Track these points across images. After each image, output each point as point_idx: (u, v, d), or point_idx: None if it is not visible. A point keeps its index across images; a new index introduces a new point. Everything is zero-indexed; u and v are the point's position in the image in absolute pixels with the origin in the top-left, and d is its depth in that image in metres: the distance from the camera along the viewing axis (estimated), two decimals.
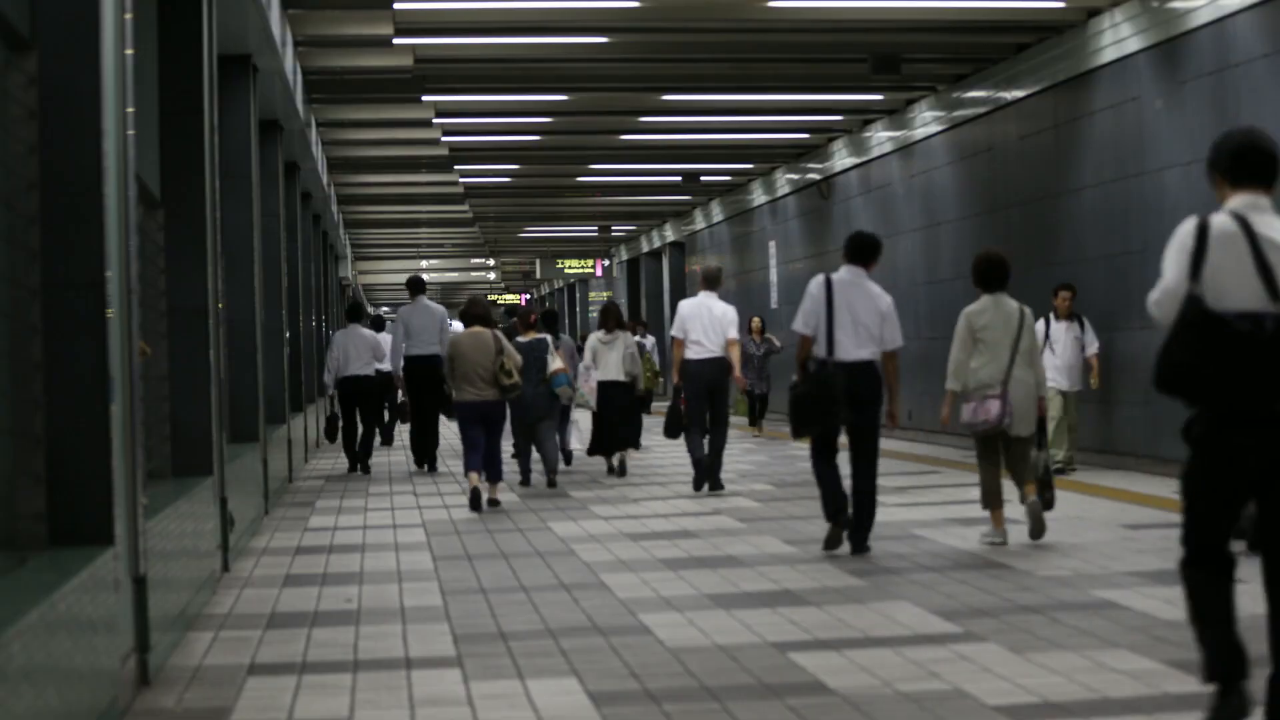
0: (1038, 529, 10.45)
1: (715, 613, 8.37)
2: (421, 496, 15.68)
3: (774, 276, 29.55)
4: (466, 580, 9.88)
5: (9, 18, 6.04)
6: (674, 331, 14.80)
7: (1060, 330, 15.68)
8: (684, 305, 14.83)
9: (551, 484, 15.81)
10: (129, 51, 7.08)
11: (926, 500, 13.76)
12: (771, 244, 29.60)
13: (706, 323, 14.54)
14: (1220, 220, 5.34)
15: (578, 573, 10.03)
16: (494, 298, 66.42)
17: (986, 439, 10.60)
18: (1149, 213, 15.31)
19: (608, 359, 16.87)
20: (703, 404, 14.68)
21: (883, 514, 12.68)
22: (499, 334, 14.36)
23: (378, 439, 20.20)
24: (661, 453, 20.61)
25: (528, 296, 70.38)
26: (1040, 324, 14.83)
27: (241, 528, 11.67)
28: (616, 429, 17.20)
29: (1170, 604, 8.17)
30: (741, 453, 20.60)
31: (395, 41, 16.53)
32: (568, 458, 18.28)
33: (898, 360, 10.60)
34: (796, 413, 10.27)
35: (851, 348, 10.29)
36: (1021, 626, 7.70)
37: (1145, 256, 15.35)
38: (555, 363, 15.78)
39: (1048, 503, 10.44)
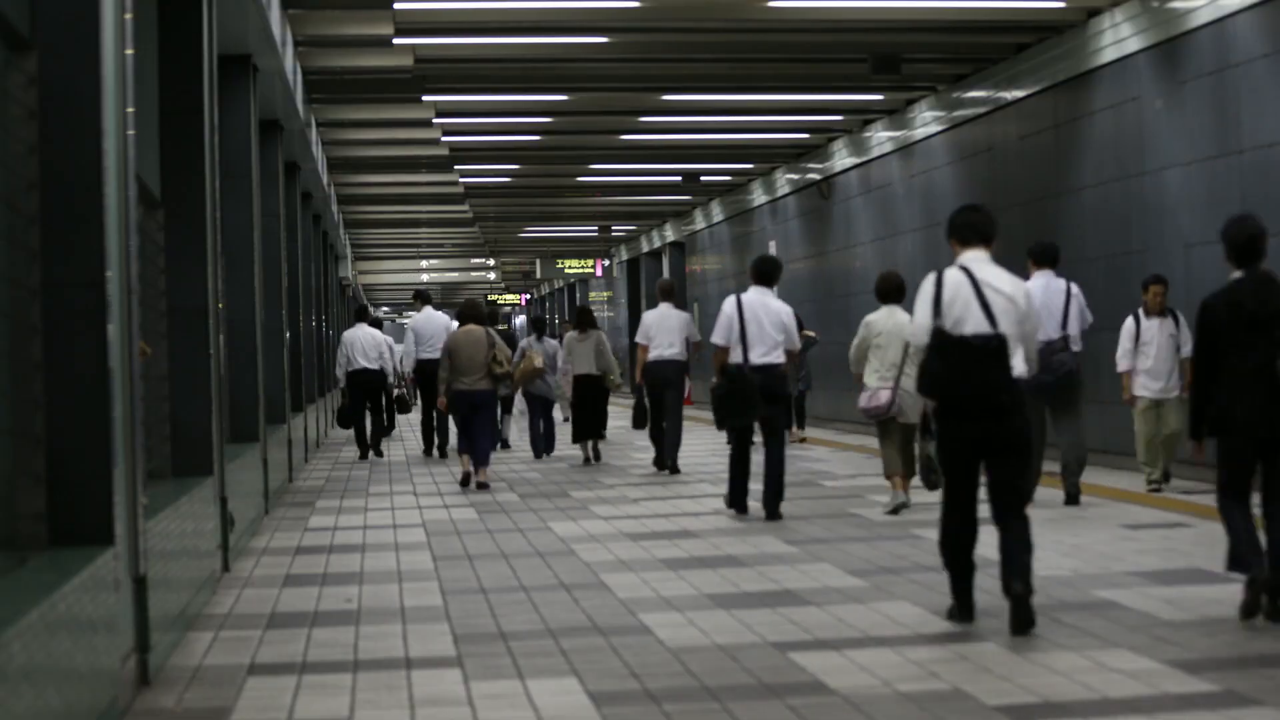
0: (898, 509, 12.74)
1: (715, 612, 8.37)
2: (422, 497, 15.68)
3: None
4: (467, 580, 9.88)
5: (9, 18, 6.04)
6: (638, 338, 16.90)
7: (1153, 329, 13.43)
8: (648, 315, 16.95)
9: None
10: (129, 51, 7.08)
11: (926, 500, 13.75)
12: (772, 244, 29.60)
13: (665, 329, 16.69)
14: (952, 272, 7.99)
15: (578, 573, 10.03)
16: (494, 298, 66.51)
17: (883, 422, 12.78)
18: (1149, 213, 15.31)
19: (581, 355, 18.77)
20: (661, 396, 17.03)
21: (883, 514, 12.71)
22: (491, 331, 16.42)
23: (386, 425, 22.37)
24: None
25: (528, 296, 70.42)
26: (1129, 323, 13.63)
27: (241, 528, 11.67)
28: (593, 419, 18.82)
29: (1171, 604, 8.18)
30: None
31: (395, 41, 16.53)
32: (504, 443, 21.74)
33: (797, 357, 13.90)
34: (719, 409, 12.52)
35: (761, 354, 12.44)
36: None
37: (1145, 257, 15.35)
38: None
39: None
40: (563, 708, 6.34)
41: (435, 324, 20.73)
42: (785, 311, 12.74)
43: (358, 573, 10.41)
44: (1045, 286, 12.71)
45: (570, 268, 46.58)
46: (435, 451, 21.07)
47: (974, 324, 7.80)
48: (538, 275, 48.19)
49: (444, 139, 23.72)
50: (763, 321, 12.48)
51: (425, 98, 19.98)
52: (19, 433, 6.12)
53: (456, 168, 27.44)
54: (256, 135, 14.86)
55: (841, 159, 25.00)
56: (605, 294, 51.22)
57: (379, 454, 21.49)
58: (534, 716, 6.22)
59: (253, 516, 12.83)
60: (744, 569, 9.92)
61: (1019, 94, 18.23)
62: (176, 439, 10.19)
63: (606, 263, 46.88)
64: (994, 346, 7.72)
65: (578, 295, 56.48)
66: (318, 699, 6.66)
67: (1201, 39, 14.34)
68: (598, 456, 19.02)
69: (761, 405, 12.27)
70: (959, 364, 7.74)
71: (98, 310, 6.38)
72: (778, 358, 12.49)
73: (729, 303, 12.69)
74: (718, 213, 33.81)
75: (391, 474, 18.77)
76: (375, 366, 21.18)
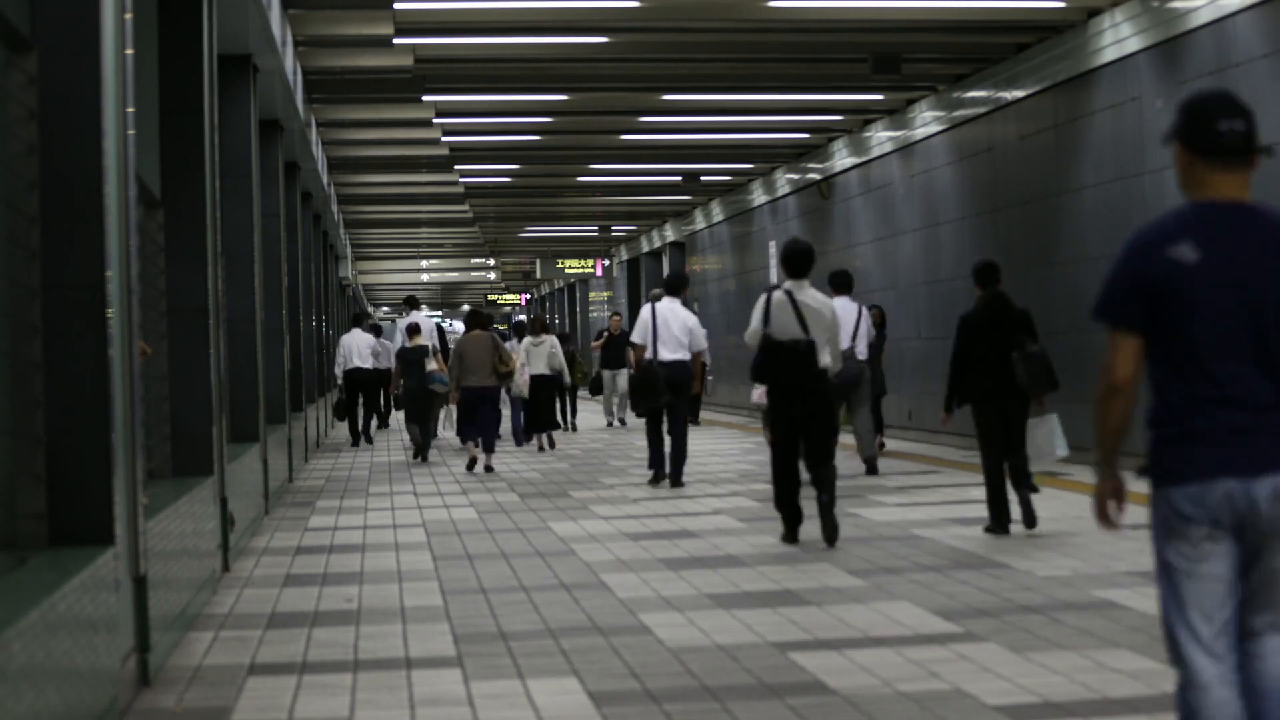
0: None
1: (715, 612, 8.37)
2: (422, 497, 15.69)
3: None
4: (467, 580, 9.89)
5: (9, 18, 6.04)
6: (634, 336, 16.52)
7: None
8: (645, 311, 16.36)
9: (418, 456, 20.55)
10: (129, 51, 7.08)
11: (926, 500, 13.77)
12: (772, 244, 29.61)
13: (671, 328, 16.50)
14: (777, 294, 10.96)
15: (578, 573, 10.03)
16: (494, 298, 66.59)
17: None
18: (1149, 213, 15.30)
19: (536, 357, 21.56)
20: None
21: (882, 514, 12.72)
22: (495, 336, 18.94)
23: (375, 420, 26.30)
24: None
25: (528, 296, 70.44)
26: None
27: (242, 527, 11.67)
28: (546, 413, 21.67)
29: None
30: (741, 453, 20.62)
31: (395, 41, 16.54)
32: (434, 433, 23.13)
33: (703, 357, 16.02)
34: (634, 394, 15.52)
35: (668, 351, 15.35)
36: (1021, 626, 7.71)
37: None
38: (432, 365, 21.10)
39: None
40: (563, 708, 6.35)
41: (424, 323, 23.08)
42: (690, 319, 15.74)
43: (358, 573, 10.41)
44: (842, 308, 14.94)
45: (570, 268, 46.57)
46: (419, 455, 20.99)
47: (792, 332, 10.88)
48: (538, 275, 48.18)
49: (444, 139, 23.73)
50: (671, 326, 15.44)
51: (425, 98, 19.98)
52: (19, 433, 6.12)
53: (456, 168, 27.45)
54: (256, 135, 14.86)
55: (841, 159, 25.01)
56: (605, 294, 51.21)
57: (369, 440, 24.95)
58: (534, 716, 6.22)
59: (253, 516, 12.83)
60: (744, 569, 9.92)
61: (1019, 94, 18.23)
62: (176, 439, 10.19)
63: (606, 263, 46.88)
64: (803, 349, 10.86)
65: (578, 295, 56.51)
66: (318, 699, 6.66)
67: (1201, 39, 14.35)
68: (552, 445, 21.71)
69: (666, 392, 15.22)
70: (781, 360, 10.90)
71: (98, 310, 6.38)
72: (683, 355, 15.48)
73: (645, 310, 15.69)
74: (718, 213, 33.82)
75: (391, 474, 18.78)
76: (368, 365, 24.39)
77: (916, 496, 14.09)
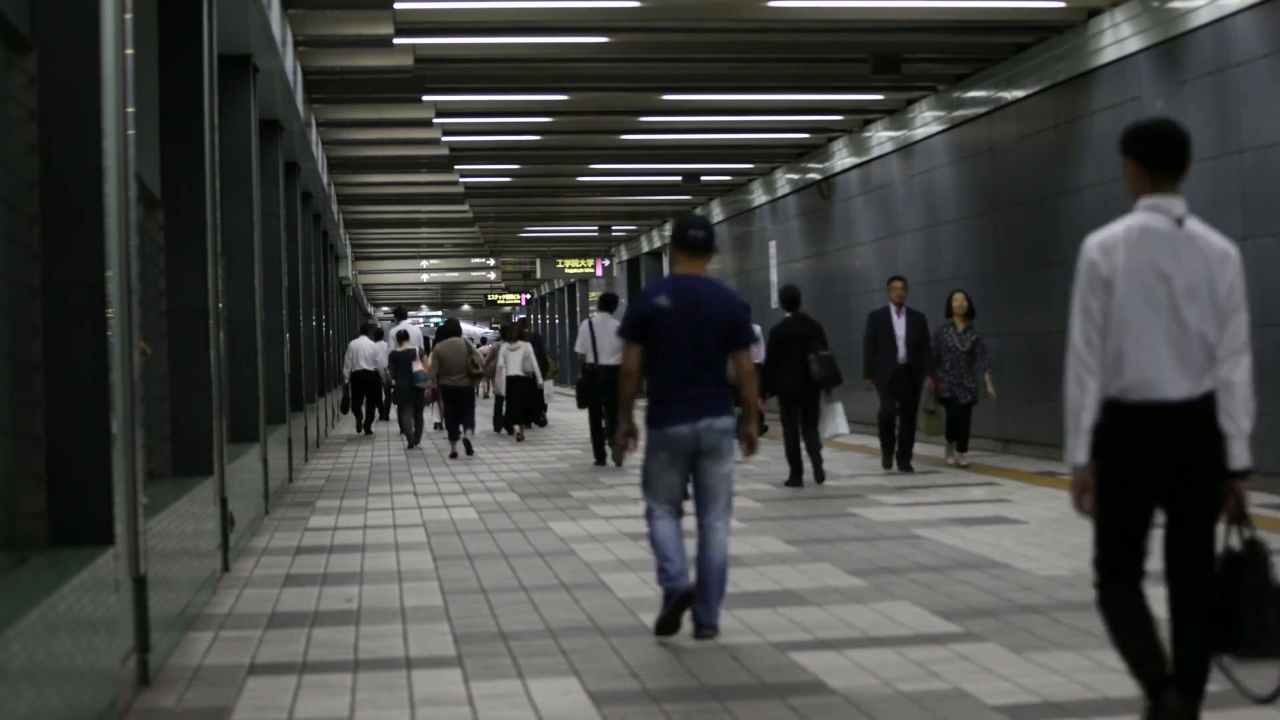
0: None
1: None
2: (422, 497, 15.69)
3: (774, 276, 29.55)
4: (467, 580, 9.88)
5: (9, 18, 6.04)
6: (578, 347, 19.59)
7: None
8: (584, 325, 19.25)
9: (411, 445, 24.13)
10: (129, 51, 7.08)
11: (926, 500, 13.77)
12: (772, 244, 29.61)
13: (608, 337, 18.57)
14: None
15: (578, 573, 10.03)
16: (494, 298, 66.70)
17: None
18: None
19: (512, 360, 24.36)
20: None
21: (883, 514, 12.72)
22: (468, 342, 22.00)
23: (375, 414, 30.50)
24: None
25: (528, 296, 70.50)
26: None
27: (242, 527, 11.67)
28: (518, 410, 24.93)
29: None
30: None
31: (395, 41, 16.53)
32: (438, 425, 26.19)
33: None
34: (579, 393, 18.90)
35: (606, 357, 18.23)
36: (1021, 626, 7.71)
37: None
38: (418, 365, 24.79)
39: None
40: (563, 707, 6.35)
41: (413, 332, 27.54)
42: None
43: (358, 573, 10.41)
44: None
45: (570, 268, 46.55)
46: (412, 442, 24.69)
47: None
48: (538, 275, 48.14)
49: (444, 139, 23.73)
50: (609, 335, 18.15)
51: (425, 98, 19.98)
52: (19, 433, 6.12)
53: (456, 168, 27.45)
54: (256, 135, 14.85)
55: (841, 159, 25.01)
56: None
57: (369, 432, 28.64)
58: (534, 716, 6.22)
59: (253, 516, 12.83)
60: (744, 569, 9.92)
61: (1019, 94, 18.23)
62: (176, 439, 10.19)
63: (606, 263, 46.87)
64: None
65: (578, 295, 56.49)
66: (318, 699, 6.66)
67: (1202, 39, 14.35)
68: (521, 437, 24.73)
69: (605, 391, 17.92)
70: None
71: (98, 310, 6.37)
72: (619, 360, 16.46)
73: (584, 325, 19.10)
74: (718, 213, 33.81)
75: (391, 474, 18.79)
76: (372, 368, 28.46)
77: (916, 496, 14.09)
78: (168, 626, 7.67)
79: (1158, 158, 5.33)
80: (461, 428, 21.49)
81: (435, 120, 21.76)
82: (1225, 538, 5.12)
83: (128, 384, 6.87)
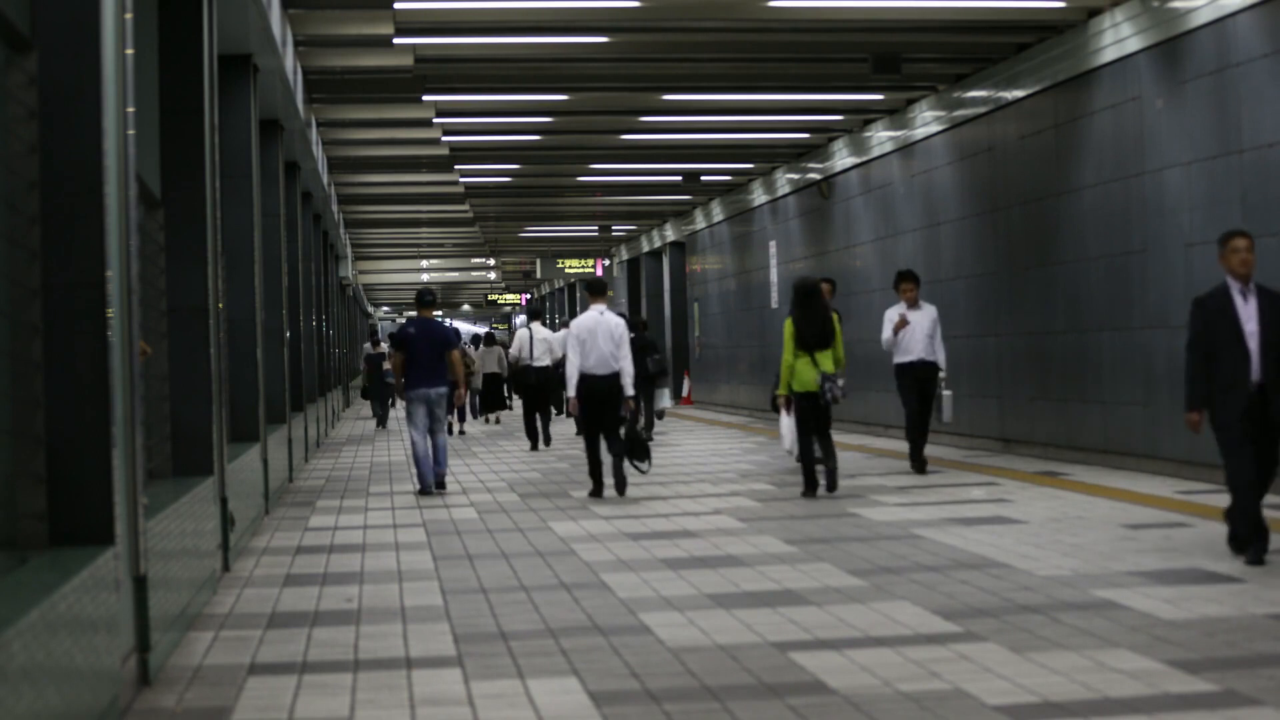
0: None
1: (715, 612, 8.37)
2: (422, 496, 15.68)
3: (774, 276, 29.56)
4: (467, 580, 9.89)
5: (9, 18, 6.04)
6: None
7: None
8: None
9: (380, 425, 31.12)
10: (129, 51, 7.08)
11: (926, 500, 13.77)
12: (772, 244, 29.61)
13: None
14: (588, 316, 14.59)
15: (578, 572, 10.03)
16: (494, 297, 66.73)
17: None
18: (1149, 213, 15.30)
19: (487, 359, 30.30)
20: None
21: (883, 514, 12.73)
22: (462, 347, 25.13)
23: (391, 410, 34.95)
24: (661, 454, 20.61)
25: (528, 296, 70.50)
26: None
27: (242, 527, 11.67)
28: (494, 398, 30.33)
29: (1171, 604, 8.18)
30: (742, 452, 20.62)
31: (395, 41, 16.53)
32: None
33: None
34: (515, 386, 23.05)
35: (536, 358, 22.81)
36: (1021, 626, 7.71)
37: (1145, 256, 15.35)
38: (387, 364, 29.35)
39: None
40: (563, 708, 6.35)
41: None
42: (555, 338, 23.44)
43: (358, 572, 10.41)
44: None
45: (570, 268, 46.55)
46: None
47: (601, 352, 14.80)
48: (538, 275, 48.14)
49: (444, 139, 23.72)
50: (542, 339, 23.04)
51: (425, 98, 19.97)
52: (19, 433, 6.12)
53: (456, 168, 27.44)
54: (256, 135, 14.85)
55: (842, 159, 25.00)
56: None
57: (383, 426, 32.49)
58: (534, 716, 6.22)
59: (253, 516, 12.83)
60: (744, 569, 9.92)
61: (1019, 94, 18.23)
62: (176, 439, 10.19)
63: (606, 263, 46.87)
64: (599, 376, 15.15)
65: (578, 295, 56.50)
66: (318, 699, 6.66)
67: (1202, 39, 14.34)
68: (498, 420, 31.17)
69: (536, 387, 22.58)
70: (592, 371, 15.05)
71: (98, 310, 6.37)
72: (547, 361, 23.08)
73: (522, 331, 23.34)
74: (718, 212, 33.81)
75: (392, 474, 18.79)
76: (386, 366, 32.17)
77: (916, 496, 14.09)
78: (168, 626, 7.67)
79: None
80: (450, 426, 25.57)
81: (435, 120, 21.76)
82: None
83: (128, 384, 6.87)
